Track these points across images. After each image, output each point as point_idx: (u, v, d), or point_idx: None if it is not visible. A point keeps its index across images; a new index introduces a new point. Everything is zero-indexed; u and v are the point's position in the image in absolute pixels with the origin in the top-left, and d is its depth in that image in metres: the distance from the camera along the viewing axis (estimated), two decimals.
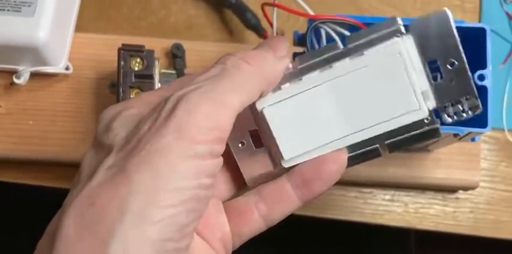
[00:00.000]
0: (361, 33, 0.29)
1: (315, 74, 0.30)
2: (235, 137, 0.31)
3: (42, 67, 0.45)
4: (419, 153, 0.46)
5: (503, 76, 0.50)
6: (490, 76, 0.36)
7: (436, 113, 0.30)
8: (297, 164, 0.31)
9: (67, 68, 0.46)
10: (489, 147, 0.50)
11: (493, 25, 0.51)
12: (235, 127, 0.27)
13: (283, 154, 0.30)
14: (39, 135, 0.47)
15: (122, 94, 0.42)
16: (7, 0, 0.42)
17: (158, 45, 0.47)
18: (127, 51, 0.42)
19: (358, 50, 0.29)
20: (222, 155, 0.27)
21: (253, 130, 0.31)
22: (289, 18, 0.49)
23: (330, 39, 0.34)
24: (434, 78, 0.29)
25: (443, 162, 0.46)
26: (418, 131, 0.29)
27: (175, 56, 0.46)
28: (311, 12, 0.33)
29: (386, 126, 0.29)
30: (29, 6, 0.43)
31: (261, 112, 0.30)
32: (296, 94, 0.30)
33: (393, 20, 0.29)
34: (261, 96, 0.30)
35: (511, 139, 0.49)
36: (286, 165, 0.31)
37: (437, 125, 0.29)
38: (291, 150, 0.30)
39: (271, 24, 0.37)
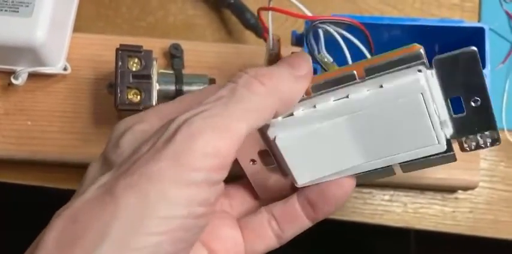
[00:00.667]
0: (381, 65, 0.28)
1: (330, 104, 0.28)
2: (244, 155, 0.31)
3: (40, 67, 0.45)
4: None
5: (503, 76, 0.50)
6: (489, 75, 0.36)
7: None
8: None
9: (65, 69, 0.46)
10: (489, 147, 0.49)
11: (492, 24, 0.52)
12: (245, 145, 0.27)
13: (296, 180, 0.30)
14: (37, 135, 0.46)
15: (119, 94, 0.42)
16: (5, 1, 0.42)
17: (156, 45, 0.47)
18: (125, 52, 0.42)
19: (377, 79, 0.28)
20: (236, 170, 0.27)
21: (263, 150, 0.31)
22: (287, 19, 0.49)
23: (329, 39, 0.34)
24: (455, 111, 0.28)
25: None
26: (434, 157, 0.29)
27: (174, 56, 0.46)
28: (308, 14, 0.33)
29: (403, 157, 0.29)
30: (27, 6, 0.42)
31: (274, 141, 0.29)
32: (311, 125, 0.29)
33: (417, 53, 0.27)
34: (275, 115, 0.28)
35: (511, 139, 0.49)
36: (299, 186, 0.30)
37: (454, 152, 0.29)
38: (304, 176, 0.30)
39: (266, 30, 0.37)
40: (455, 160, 0.30)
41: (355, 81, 0.28)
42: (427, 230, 0.49)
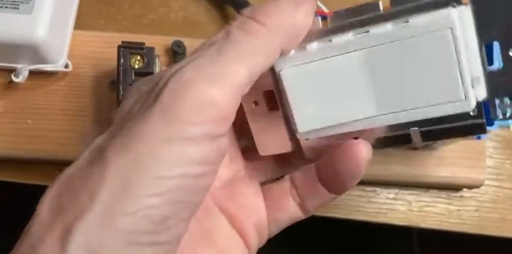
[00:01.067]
0: None
1: (348, 37, 0.25)
2: (248, 94, 0.26)
3: (41, 65, 0.44)
4: (423, 151, 0.46)
5: None
6: None
7: (485, 107, 0.25)
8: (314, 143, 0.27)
9: (66, 66, 0.46)
10: (494, 145, 0.49)
11: None
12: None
13: (297, 126, 0.27)
14: (38, 133, 0.46)
15: (121, 92, 0.41)
16: None
17: (159, 42, 0.46)
18: (127, 49, 0.42)
19: (403, 14, 0.24)
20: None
21: (269, 90, 0.27)
22: None
23: None
24: (490, 64, 0.24)
25: (447, 160, 0.46)
26: (460, 123, 0.25)
27: (176, 53, 0.46)
28: (325, 10, 0.32)
29: (424, 113, 0.25)
30: (27, 3, 0.42)
31: (279, 74, 0.26)
32: (323, 59, 0.25)
33: None
34: (282, 53, 0.25)
35: None
36: (300, 137, 0.27)
37: (483, 120, 0.25)
38: (307, 123, 0.27)
39: None
40: (485, 131, 0.25)
41: (379, 12, 0.25)
42: (431, 228, 0.48)
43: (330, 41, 0.25)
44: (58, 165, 0.47)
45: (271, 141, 0.28)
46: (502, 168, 0.49)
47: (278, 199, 0.29)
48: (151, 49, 0.42)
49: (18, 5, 0.42)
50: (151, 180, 0.22)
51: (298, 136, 0.27)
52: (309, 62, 0.25)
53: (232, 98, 0.23)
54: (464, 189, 0.48)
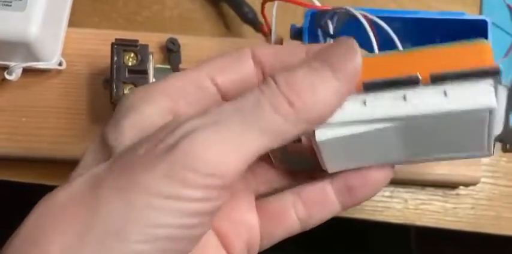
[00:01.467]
0: (450, 74, 0.25)
1: (384, 103, 0.25)
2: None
3: (35, 63, 0.44)
4: None
5: (505, 70, 0.49)
6: None
7: None
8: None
9: (60, 64, 0.46)
10: None
11: (494, 18, 0.50)
12: None
13: (328, 169, 0.28)
14: (32, 132, 0.46)
15: (115, 90, 0.41)
16: None
17: (153, 39, 0.46)
18: (120, 46, 0.42)
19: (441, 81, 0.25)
20: None
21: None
22: (285, 12, 0.49)
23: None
24: None
25: None
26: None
27: (171, 51, 0.46)
28: (317, 3, 0.32)
29: (445, 156, 0.28)
30: (20, 0, 0.42)
31: (312, 135, 0.26)
32: (356, 123, 0.26)
33: (495, 69, 0.24)
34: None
35: None
36: (330, 172, 0.28)
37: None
38: (337, 167, 0.28)
39: (268, 25, 0.36)
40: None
41: (418, 85, 0.25)
42: (427, 226, 0.48)
43: (365, 104, 0.25)
44: (52, 163, 0.47)
45: (290, 157, 0.29)
46: (497, 165, 0.49)
47: (278, 213, 0.29)
48: (145, 46, 0.42)
49: (10, 2, 0.42)
50: (143, 227, 0.22)
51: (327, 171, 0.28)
52: (342, 126, 0.26)
53: (237, 171, 0.23)
54: (460, 187, 0.48)
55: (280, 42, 0.37)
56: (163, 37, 0.47)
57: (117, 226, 0.22)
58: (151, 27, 0.51)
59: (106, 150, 0.26)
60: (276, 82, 0.23)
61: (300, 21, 0.39)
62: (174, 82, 0.27)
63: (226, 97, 0.27)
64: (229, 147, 0.22)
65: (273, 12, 0.34)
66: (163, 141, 0.23)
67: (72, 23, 0.48)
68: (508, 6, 0.51)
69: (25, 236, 0.23)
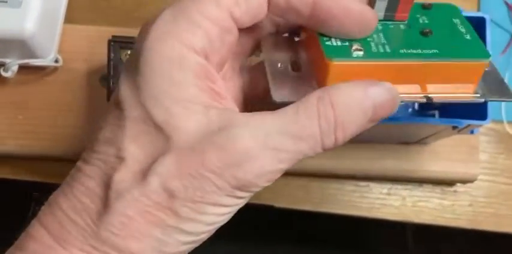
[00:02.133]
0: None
1: None
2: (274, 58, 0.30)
3: (31, 60, 0.44)
4: (416, 146, 0.45)
5: (503, 67, 0.49)
6: None
7: None
8: None
9: (56, 61, 0.45)
10: (488, 139, 0.49)
11: (491, 15, 0.50)
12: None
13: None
14: (28, 129, 0.45)
15: (112, 86, 0.41)
16: None
17: None
18: (117, 43, 0.41)
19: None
20: None
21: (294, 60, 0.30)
22: None
23: None
24: None
25: (441, 155, 0.45)
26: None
27: None
28: None
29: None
30: None
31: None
32: None
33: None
34: None
35: (510, 132, 0.48)
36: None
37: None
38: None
39: None
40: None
41: None
42: (425, 223, 0.48)
43: None
44: (49, 161, 0.47)
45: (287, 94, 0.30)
46: (495, 162, 0.49)
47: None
48: None
49: None
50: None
51: None
52: None
53: None
54: (458, 184, 0.48)
55: None
56: None
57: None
58: None
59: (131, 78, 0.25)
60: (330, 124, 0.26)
61: None
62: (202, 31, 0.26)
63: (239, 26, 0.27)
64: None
65: None
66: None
67: (68, 19, 0.47)
68: (506, 3, 0.51)
69: None
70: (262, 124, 0.25)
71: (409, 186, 0.48)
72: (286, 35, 0.33)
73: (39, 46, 0.43)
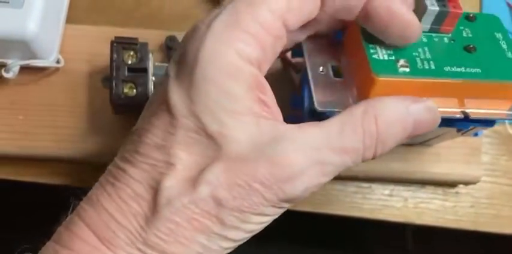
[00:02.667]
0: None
1: None
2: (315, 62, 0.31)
3: (32, 60, 0.43)
4: (419, 147, 0.45)
5: None
6: None
7: None
8: None
9: (58, 61, 0.45)
10: (490, 141, 0.49)
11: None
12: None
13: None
14: (29, 130, 0.45)
15: (114, 88, 0.41)
16: None
17: (152, 37, 0.45)
18: (120, 44, 0.41)
19: None
20: None
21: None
22: None
23: None
24: None
25: (443, 156, 0.45)
26: None
27: (170, 48, 0.45)
28: None
29: None
30: None
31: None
32: None
33: None
34: None
35: None
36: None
37: None
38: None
39: None
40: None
41: None
42: (427, 225, 0.48)
43: None
44: (49, 162, 0.46)
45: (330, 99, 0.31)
46: (497, 163, 0.49)
47: None
48: (145, 44, 0.42)
49: None
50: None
51: None
52: None
53: None
54: (460, 185, 0.48)
55: None
56: (162, 34, 0.46)
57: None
58: (149, 24, 0.50)
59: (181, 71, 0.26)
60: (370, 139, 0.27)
61: None
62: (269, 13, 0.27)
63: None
64: None
65: None
66: None
67: (69, 19, 0.47)
68: (508, 3, 0.51)
69: None
70: (310, 138, 0.26)
71: (411, 187, 0.48)
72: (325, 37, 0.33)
73: (41, 47, 0.43)
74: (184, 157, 0.25)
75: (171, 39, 0.45)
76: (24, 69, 0.44)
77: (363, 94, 0.30)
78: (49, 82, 0.46)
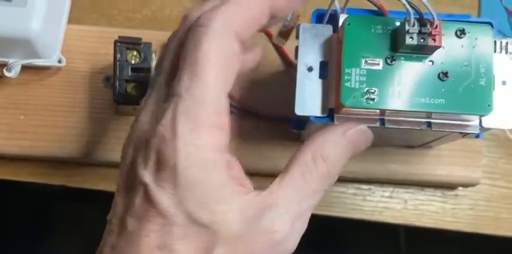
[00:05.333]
0: None
1: None
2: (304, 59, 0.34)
3: (34, 60, 0.43)
4: (420, 149, 0.46)
5: None
6: None
7: None
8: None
9: (60, 61, 0.45)
10: (488, 144, 0.49)
11: (491, 20, 0.51)
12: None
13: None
14: (30, 130, 0.45)
15: (118, 88, 0.41)
16: None
17: (154, 37, 0.45)
18: (124, 44, 0.41)
19: None
20: None
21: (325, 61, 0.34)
22: None
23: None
24: None
25: (444, 159, 0.46)
26: None
27: None
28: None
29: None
30: None
31: None
32: None
33: None
34: None
35: (511, 136, 0.49)
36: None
37: None
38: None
39: None
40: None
41: None
42: (427, 227, 0.48)
43: None
44: (50, 162, 0.46)
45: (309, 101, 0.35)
46: (496, 166, 0.49)
47: None
48: (149, 44, 0.42)
49: None
50: None
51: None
52: None
53: None
54: (459, 188, 0.48)
55: (295, 20, 0.40)
56: (164, 35, 0.46)
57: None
58: (150, 25, 0.50)
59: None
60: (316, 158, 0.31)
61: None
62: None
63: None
64: None
65: None
66: None
67: (70, 19, 0.47)
68: (506, 8, 0.52)
69: None
70: (287, 199, 0.29)
71: (411, 190, 0.48)
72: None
73: (43, 46, 0.43)
74: (186, 249, 0.27)
75: None
76: (25, 68, 0.44)
77: (337, 106, 0.34)
78: (50, 81, 0.46)
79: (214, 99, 0.28)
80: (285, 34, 0.41)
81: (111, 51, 0.42)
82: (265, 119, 0.45)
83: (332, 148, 0.31)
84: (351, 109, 0.33)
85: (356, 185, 0.48)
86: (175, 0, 0.51)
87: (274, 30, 0.44)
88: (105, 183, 0.47)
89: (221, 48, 0.28)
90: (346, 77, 0.33)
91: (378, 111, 0.34)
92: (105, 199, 0.32)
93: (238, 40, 0.29)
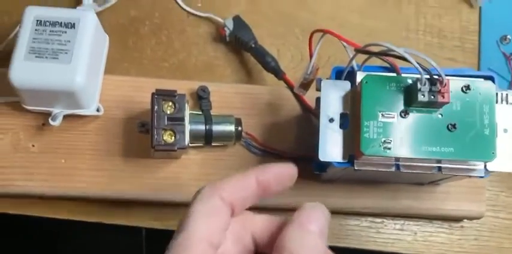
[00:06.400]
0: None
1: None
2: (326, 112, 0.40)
3: (77, 110, 0.47)
4: (429, 187, 0.50)
5: None
6: None
7: None
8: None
9: (98, 110, 0.49)
10: (490, 178, 0.53)
11: (491, 64, 0.56)
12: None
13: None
14: (70, 172, 0.49)
15: (156, 136, 0.44)
16: (46, 49, 0.45)
17: (183, 86, 0.49)
18: (160, 96, 0.45)
19: None
20: None
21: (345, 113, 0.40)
22: (302, 60, 0.54)
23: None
24: None
25: (451, 195, 0.50)
26: None
27: (201, 98, 0.49)
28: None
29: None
30: (66, 53, 0.45)
31: None
32: None
33: None
34: None
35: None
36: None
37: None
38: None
39: (311, 55, 0.42)
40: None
41: None
42: None
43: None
44: (86, 202, 0.50)
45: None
46: (497, 199, 0.53)
47: None
48: (183, 96, 0.46)
49: (57, 55, 0.45)
50: None
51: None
52: None
53: None
54: (465, 220, 0.52)
55: (315, 72, 0.44)
56: (192, 84, 0.50)
57: None
58: (177, 73, 0.55)
59: None
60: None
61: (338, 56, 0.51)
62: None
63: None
64: None
65: (317, 45, 0.43)
66: None
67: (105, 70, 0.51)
68: (504, 53, 0.56)
69: None
70: None
71: (420, 222, 0.53)
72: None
73: (85, 97, 0.47)
74: None
75: (202, 89, 0.49)
76: (66, 116, 0.48)
77: (357, 153, 0.39)
78: (89, 128, 0.49)
79: (198, 247, 0.31)
80: (305, 85, 0.45)
81: (145, 99, 0.47)
82: (286, 159, 0.49)
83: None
84: (370, 156, 0.38)
85: (370, 218, 0.52)
86: (200, 51, 0.55)
87: (295, 81, 0.48)
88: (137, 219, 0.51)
89: (204, 207, 0.32)
90: (365, 129, 0.38)
91: (393, 158, 0.38)
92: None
93: (225, 202, 0.32)
